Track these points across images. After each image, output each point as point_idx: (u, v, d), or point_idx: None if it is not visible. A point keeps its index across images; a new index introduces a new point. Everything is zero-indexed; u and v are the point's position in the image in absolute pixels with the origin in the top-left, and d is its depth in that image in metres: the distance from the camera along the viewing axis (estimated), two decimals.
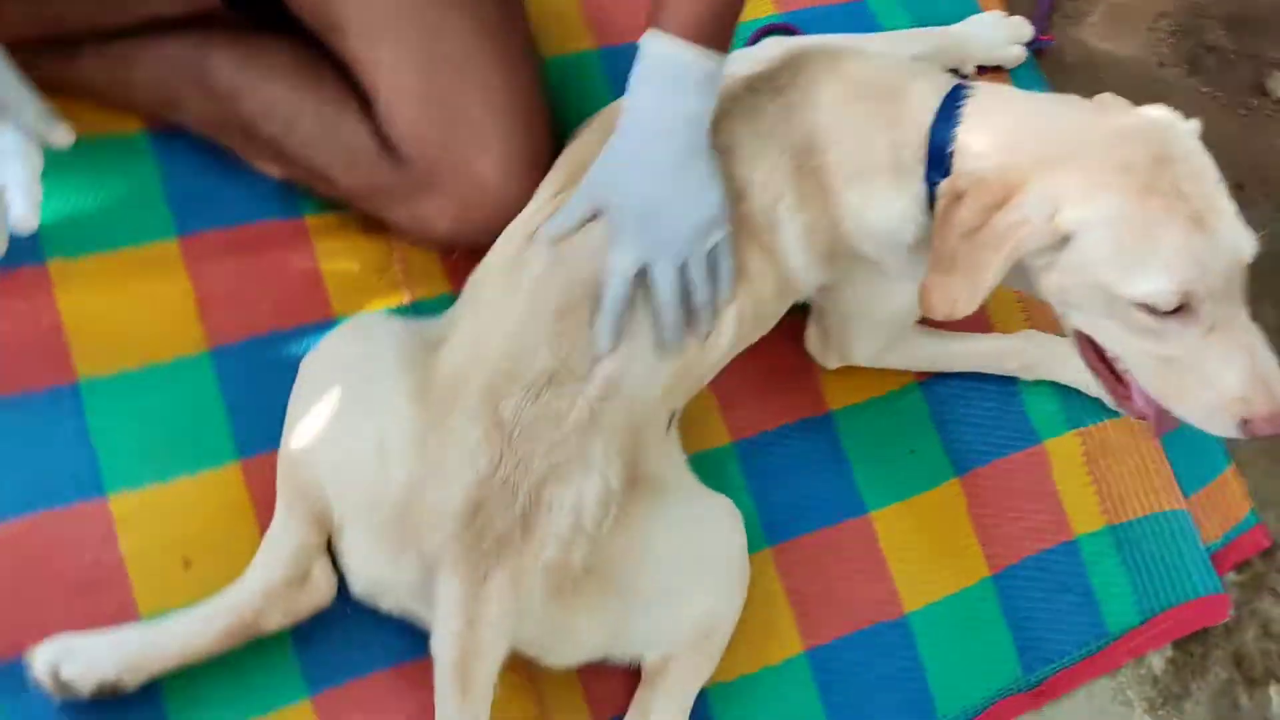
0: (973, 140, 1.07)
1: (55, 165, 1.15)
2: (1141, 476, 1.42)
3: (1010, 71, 1.55)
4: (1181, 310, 1.00)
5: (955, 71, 1.47)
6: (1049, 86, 1.57)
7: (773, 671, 1.25)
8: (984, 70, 1.53)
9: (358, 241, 1.25)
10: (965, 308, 1.05)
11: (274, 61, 1.21)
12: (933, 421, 1.38)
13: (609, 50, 1.42)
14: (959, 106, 1.09)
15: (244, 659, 1.08)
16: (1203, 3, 1.86)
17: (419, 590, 1.06)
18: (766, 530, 1.29)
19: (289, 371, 1.12)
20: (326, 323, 1.17)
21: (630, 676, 1.15)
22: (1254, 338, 1.02)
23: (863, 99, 1.12)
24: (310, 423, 1.09)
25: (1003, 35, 1.53)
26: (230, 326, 1.19)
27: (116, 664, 1.02)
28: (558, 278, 1.09)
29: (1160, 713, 1.39)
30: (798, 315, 1.31)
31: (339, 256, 1.25)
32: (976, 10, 1.56)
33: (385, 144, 1.19)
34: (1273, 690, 1.44)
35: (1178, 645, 1.42)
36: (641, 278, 1.08)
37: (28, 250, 1.14)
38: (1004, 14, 1.56)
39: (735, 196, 1.11)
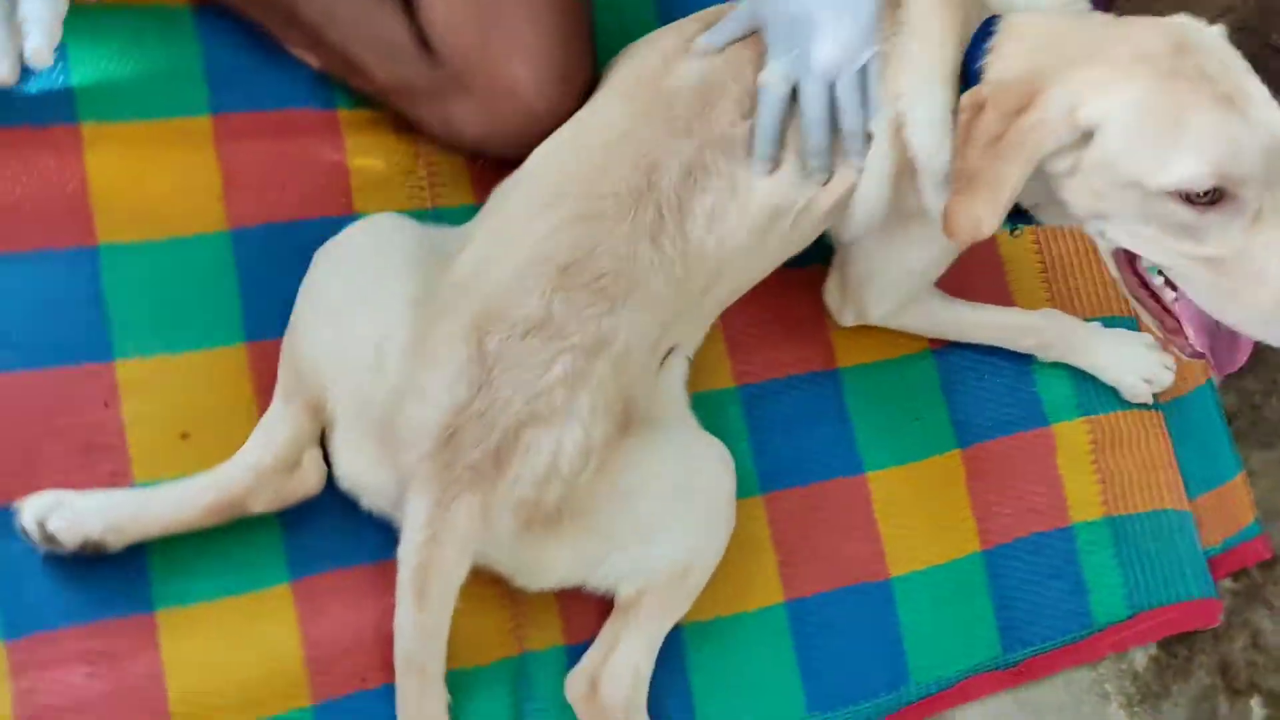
0: (1001, 55, 1.05)
1: (97, 30, 1.17)
2: (1148, 472, 1.40)
3: None
4: (1221, 200, 0.95)
5: None
6: None
7: (750, 617, 1.25)
8: None
9: (388, 140, 1.25)
10: (989, 226, 1.02)
11: None
12: (942, 390, 1.37)
13: None
14: (993, 31, 1.07)
15: (232, 536, 1.09)
16: (1271, 2, 1.81)
17: (394, 497, 1.07)
18: (761, 477, 1.29)
19: (304, 260, 1.12)
20: (346, 218, 1.17)
21: (607, 601, 1.15)
22: None
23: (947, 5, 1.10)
24: (316, 314, 1.10)
25: None
26: (252, 209, 1.19)
27: (103, 523, 1.04)
28: (577, 231, 1.07)
29: (1136, 709, 1.38)
30: (817, 265, 1.30)
31: (367, 153, 1.24)
32: None
33: (423, 43, 1.18)
34: (1254, 702, 1.42)
35: (1163, 645, 1.41)
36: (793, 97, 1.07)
37: (63, 108, 1.14)
38: None
39: None
